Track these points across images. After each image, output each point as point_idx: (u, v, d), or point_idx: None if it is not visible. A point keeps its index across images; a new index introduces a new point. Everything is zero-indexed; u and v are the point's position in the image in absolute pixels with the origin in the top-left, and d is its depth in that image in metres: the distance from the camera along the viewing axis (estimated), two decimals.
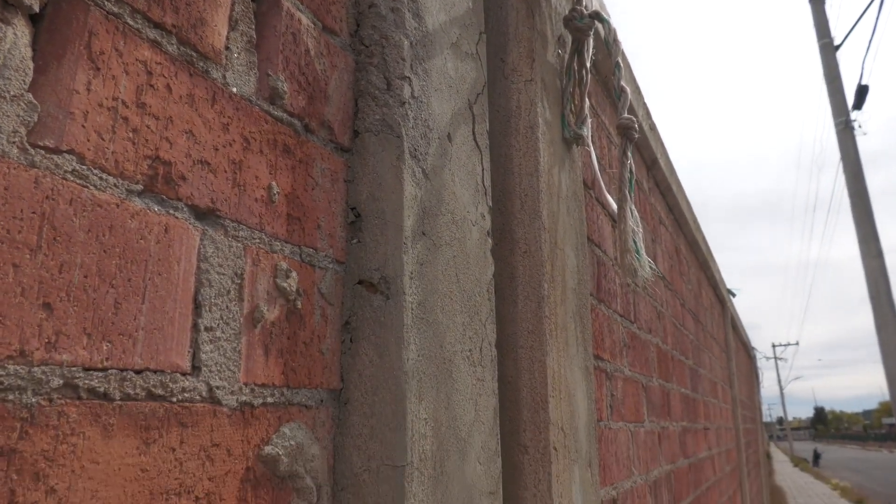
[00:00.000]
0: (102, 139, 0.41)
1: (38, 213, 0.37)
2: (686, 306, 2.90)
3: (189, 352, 0.45)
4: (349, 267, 0.64)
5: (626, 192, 0.98)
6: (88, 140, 0.40)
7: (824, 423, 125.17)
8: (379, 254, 0.64)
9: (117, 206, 0.42)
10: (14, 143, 0.36)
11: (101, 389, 0.39)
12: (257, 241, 0.53)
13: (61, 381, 0.37)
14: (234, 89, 0.52)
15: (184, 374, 0.45)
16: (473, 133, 0.86)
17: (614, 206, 1.03)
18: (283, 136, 0.58)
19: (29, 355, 0.35)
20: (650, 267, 0.97)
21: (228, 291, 0.49)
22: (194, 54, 0.49)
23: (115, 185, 0.42)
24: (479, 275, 0.81)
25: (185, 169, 0.47)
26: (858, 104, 9.55)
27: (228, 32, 0.53)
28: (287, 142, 0.58)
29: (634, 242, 0.96)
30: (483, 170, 0.87)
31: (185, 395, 0.44)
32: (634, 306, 1.76)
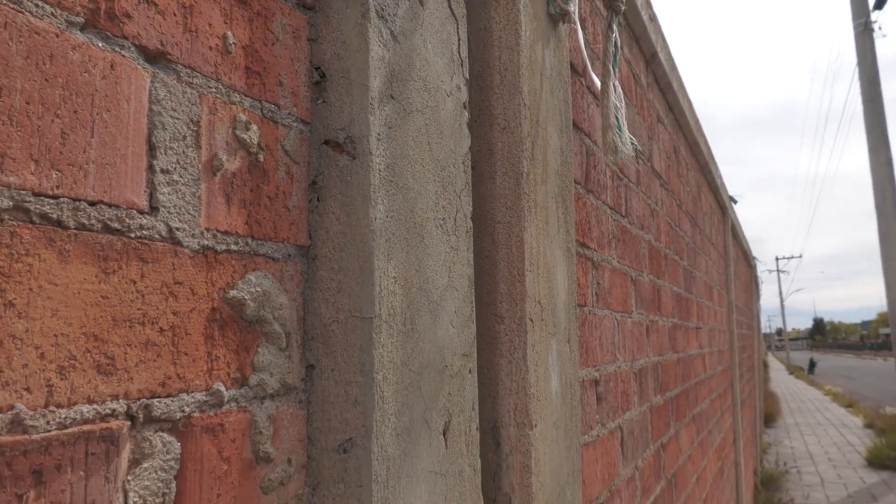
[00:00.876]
0: None
1: None
2: (683, 208, 2.90)
3: (146, 191, 0.46)
4: (315, 127, 0.64)
5: (610, 66, 0.95)
6: None
7: (822, 334, 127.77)
8: (344, 114, 0.63)
9: (57, 35, 0.41)
10: None
11: (54, 216, 0.40)
12: (213, 90, 0.52)
13: (11, 203, 0.38)
14: None
15: (141, 213, 0.46)
16: (448, 0, 0.83)
17: (598, 83, 1.01)
18: None
19: None
20: (632, 144, 0.96)
21: (184, 137, 0.49)
22: None
23: (52, 14, 0.41)
24: (455, 146, 0.81)
25: (130, 7, 0.46)
26: (880, 3, 9.11)
27: None
28: None
29: (616, 119, 0.94)
30: (459, 40, 0.85)
31: (144, 231, 0.46)
32: (626, 200, 1.76)
